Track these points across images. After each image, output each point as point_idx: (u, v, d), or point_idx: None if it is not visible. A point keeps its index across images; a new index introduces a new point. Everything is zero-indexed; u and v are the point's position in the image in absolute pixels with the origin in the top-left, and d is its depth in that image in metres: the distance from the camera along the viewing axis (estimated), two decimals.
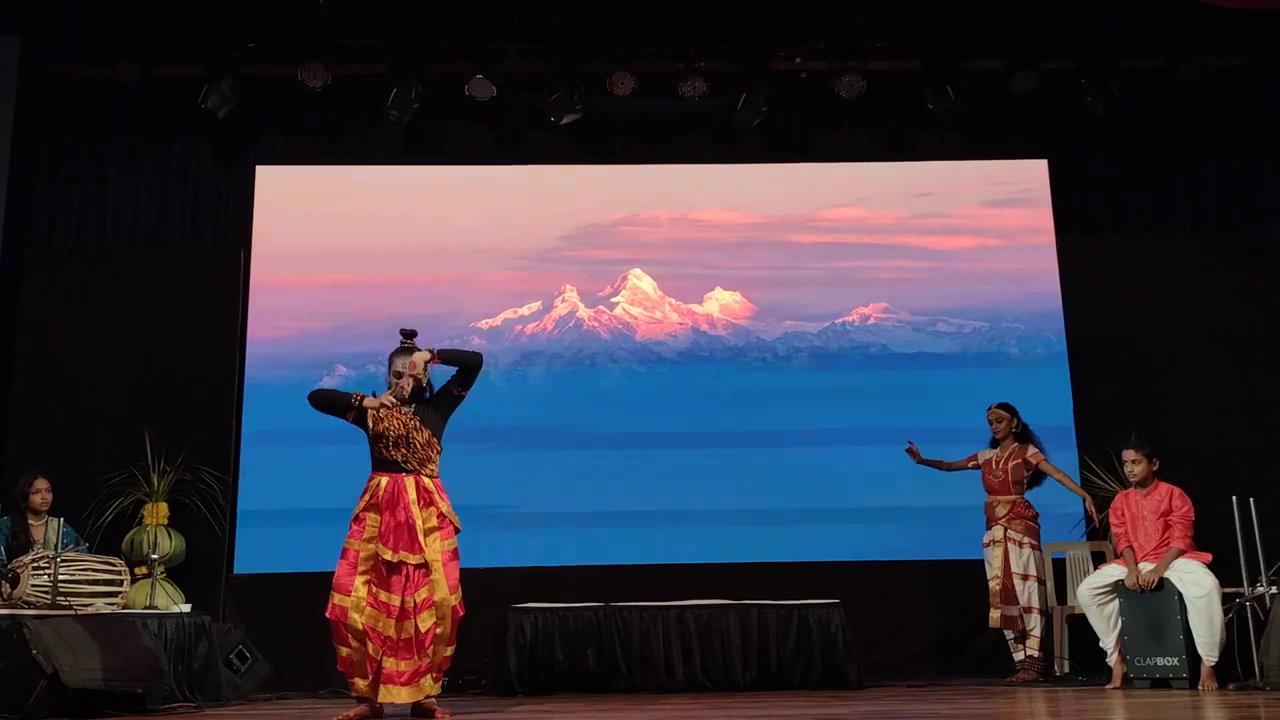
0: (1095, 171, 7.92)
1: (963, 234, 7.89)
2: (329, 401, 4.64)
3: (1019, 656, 6.29)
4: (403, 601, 4.37)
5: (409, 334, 4.72)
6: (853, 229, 7.94)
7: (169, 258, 7.64)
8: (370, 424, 4.55)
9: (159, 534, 6.75)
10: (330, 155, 7.91)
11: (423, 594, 4.39)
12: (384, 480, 4.49)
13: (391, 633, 4.36)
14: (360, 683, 4.42)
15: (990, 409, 6.58)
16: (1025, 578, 6.28)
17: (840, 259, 7.90)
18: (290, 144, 7.90)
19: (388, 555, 4.37)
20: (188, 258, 7.66)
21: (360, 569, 4.40)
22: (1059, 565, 6.72)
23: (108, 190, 7.76)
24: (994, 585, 6.32)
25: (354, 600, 4.35)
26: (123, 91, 7.50)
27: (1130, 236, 7.79)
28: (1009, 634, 6.34)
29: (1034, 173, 7.91)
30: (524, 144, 7.92)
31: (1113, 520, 5.89)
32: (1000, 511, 6.38)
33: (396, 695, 4.33)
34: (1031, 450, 6.42)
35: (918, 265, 7.88)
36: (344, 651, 4.41)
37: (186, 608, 5.69)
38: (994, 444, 6.56)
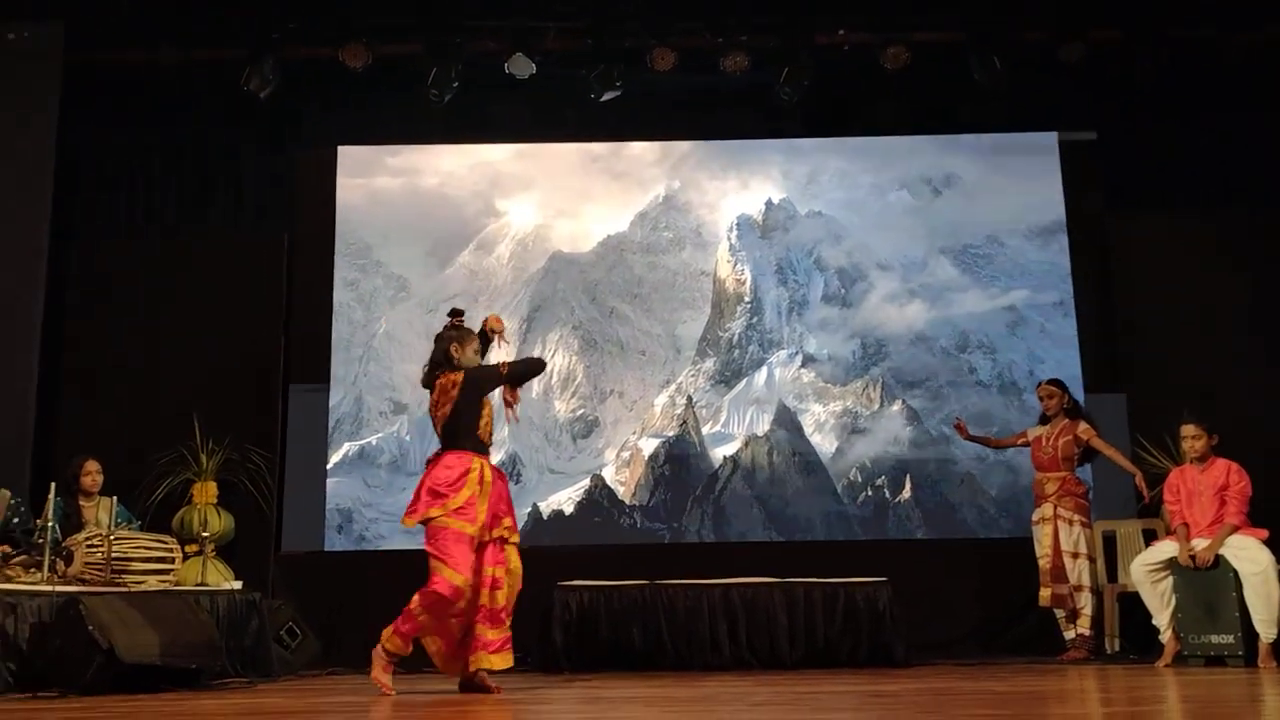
0: (1145, 144, 7.76)
1: (1011, 208, 7.76)
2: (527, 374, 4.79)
3: (1070, 635, 6.22)
4: (494, 572, 4.47)
5: (457, 314, 4.73)
6: (901, 202, 7.85)
7: (213, 241, 7.71)
8: (481, 409, 4.60)
9: (208, 512, 6.82)
10: (371, 135, 7.93)
11: (503, 568, 4.50)
12: (481, 463, 4.55)
13: (485, 601, 4.44)
14: (400, 644, 4.43)
15: (1041, 385, 6.51)
16: (1075, 555, 6.20)
17: (891, 231, 7.79)
18: (331, 125, 7.92)
19: (500, 533, 4.49)
20: (232, 241, 7.72)
21: (470, 550, 4.43)
22: (1109, 542, 6.64)
23: (152, 175, 7.82)
24: (1044, 564, 6.24)
25: (465, 580, 4.38)
26: (165, 76, 7.53)
27: (1182, 210, 7.64)
28: (1059, 612, 6.26)
29: (1083, 145, 7.76)
30: (564, 122, 7.89)
31: (1167, 497, 5.80)
32: (1050, 489, 6.29)
33: (491, 662, 4.43)
34: (1083, 426, 6.32)
35: (963, 239, 7.77)
36: (426, 620, 4.42)
37: (237, 585, 5.75)
38: (1043, 421, 6.47)
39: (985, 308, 7.70)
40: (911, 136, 7.90)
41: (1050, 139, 7.81)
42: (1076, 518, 6.23)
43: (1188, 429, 5.74)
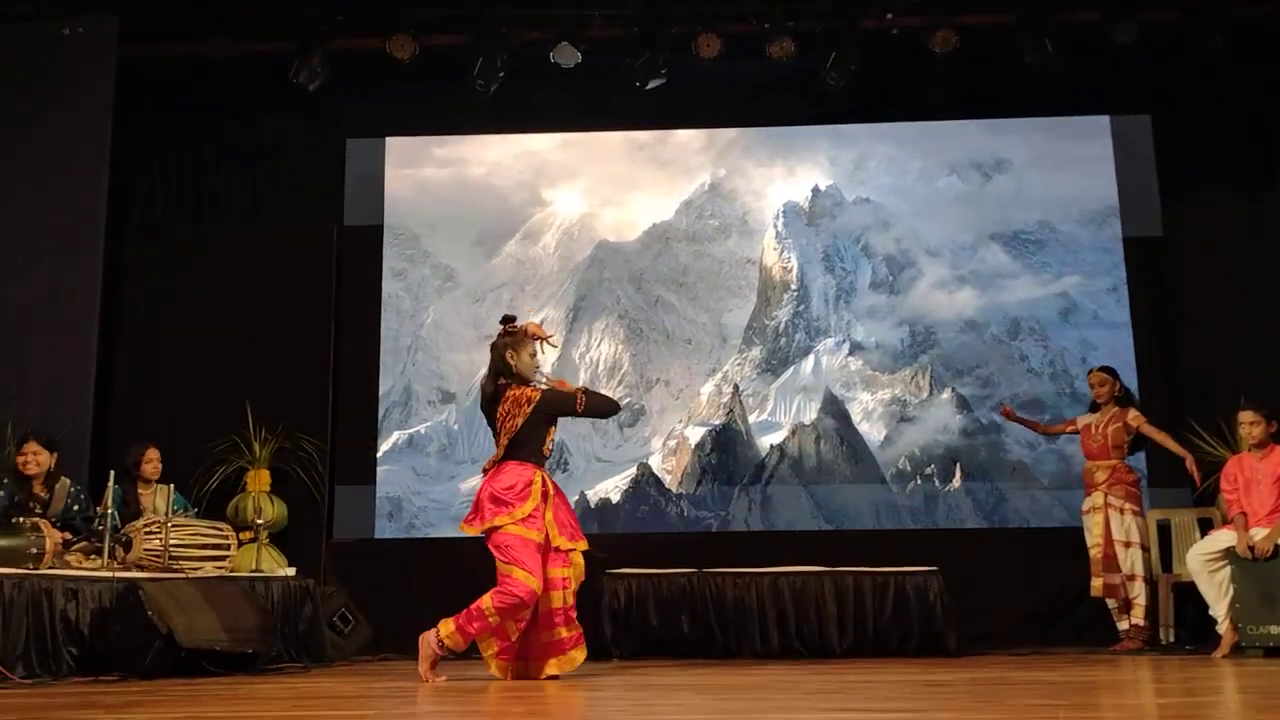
0: (1200, 126, 7.60)
1: (1063, 193, 7.64)
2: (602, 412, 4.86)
3: (1123, 625, 6.14)
4: (562, 573, 4.55)
5: (508, 320, 4.75)
6: (950, 187, 7.77)
7: (264, 232, 7.80)
8: (549, 428, 4.65)
9: (262, 500, 6.92)
10: (419, 126, 7.97)
11: (568, 569, 4.59)
12: (543, 475, 4.61)
13: (559, 604, 4.52)
14: (458, 641, 4.46)
15: (1093, 372, 6.43)
16: (1128, 545, 6.10)
17: (940, 217, 7.72)
18: (380, 116, 7.97)
19: (566, 544, 4.55)
20: (283, 231, 7.80)
21: (538, 555, 4.48)
22: (1164, 531, 6.53)
23: (204, 167, 7.93)
24: (1095, 553, 6.16)
25: (538, 584, 4.43)
26: (216, 69, 7.63)
27: (1236, 193, 7.47)
28: (1111, 603, 6.18)
29: (1136, 128, 7.62)
30: (608, 111, 7.89)
31: (1224, 485, 5.70)
32: (1100, 477, 6.20)
33: (571, 662, 4.54)
34: (1133, 413, 6.23)
35: (1014, 225, 7.67)
36: (501, 623, 4.44)
37: (291, 572, 5.83)
38: (1093, 408, 6.39)
39: (1037, 294, 7.59)
40: (960, 121, 7.81)
41: (1103, 122, 7.67)
42: (1128, 506, 6.14)
43: (1246, 415, 5.64)
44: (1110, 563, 6.11)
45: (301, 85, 7.42)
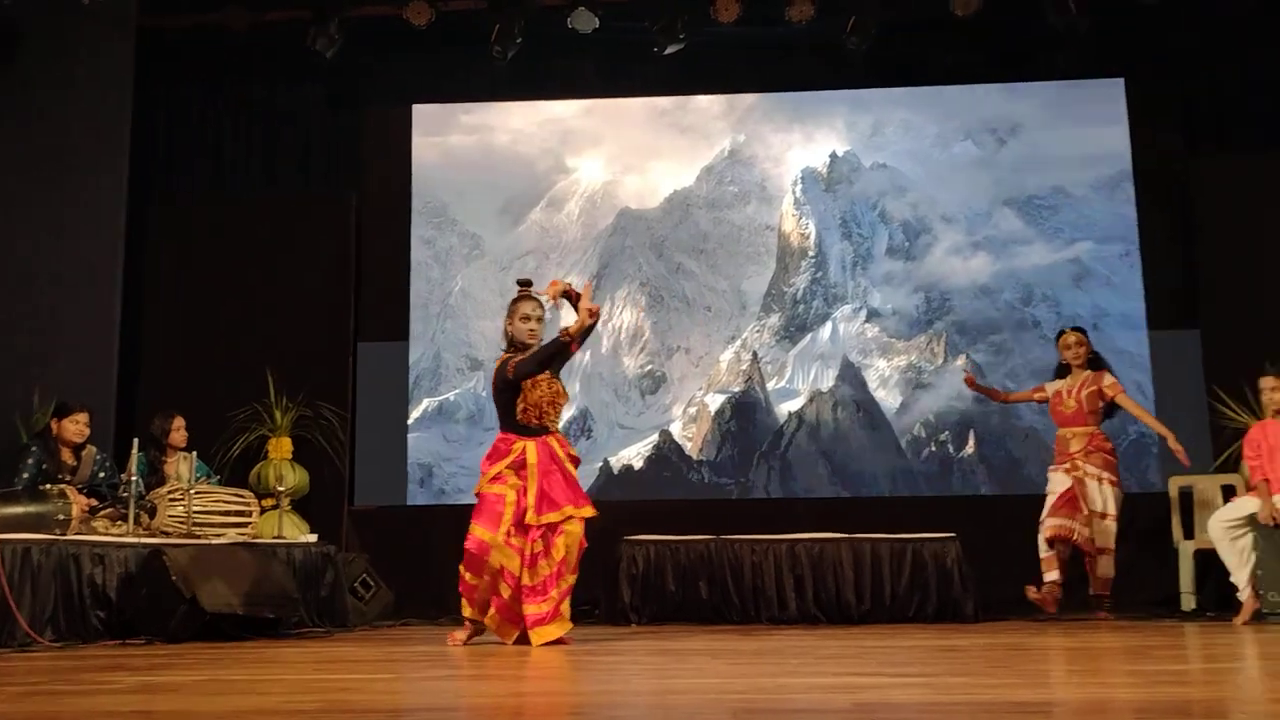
0: (1228, 86, 7.48)
1: (1076, 158, 7.55)
2: (544, 364, 4.59)
3: (1051, 576, 5.78)
4: (531, 548, 4.53)
5: (525, 283, 4.76)
6: (966, 153, 7.70)
7: (285, 200, 7.84)
8: (526, 390, 4.58)
9: (283, 467, 7.00)
10: (437, 94, 7.96)
11: (555, 528, 4.55)
12: (531, 445, 4.59)
13: (528, 580, 4.51)
14: (471, 610, 4.60)
15: (1068, 332, 6.11)
16: (1104, 517, 5.84)
17: (955, 183, 7.66)
18: (403, 83, 7.96)
19: (554, 518, 4.52)
20: (303, 200, 7.83)
21: (505, 514, 4.52)
22: (1185, 498, 6.49)
23: (223, 137, 7.96)
24: (1055, 501, 5.79)
25: (496, 539, 4.49)
26: (235, 38, 7.63)
27: (1265, 154, 7.35)
28: (1050, 552, 5.80)
29: (1162, 90, 7.50)
30: (627, 76, 7.85)
31: (1247, 452, 5.65)
32: (1075, 445, 5.91)
33: (546, 634, 4.49)
34: (1109, 380, 5.97)
35: (1028, 190, 7.59)
36: (470, 579, 4.56)
37: (312, 538, 5.90)
38: (1060, 374, 6.13)
39: (1050, 260, 7.53)
40: (976, 85, 7.71)
41: (1118, 85, 7.56)
42: (1105, 475, 5.87)
43: (1268, 381, 5.57)
44: (1073, 508, 5.77)
45: (319, 53, 7.41)
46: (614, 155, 7.97)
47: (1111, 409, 6.04)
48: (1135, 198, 7.45)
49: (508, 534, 4.51)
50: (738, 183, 7.88)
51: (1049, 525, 5.86)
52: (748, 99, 7.92)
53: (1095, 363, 6.05)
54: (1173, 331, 7.23)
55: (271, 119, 7.96)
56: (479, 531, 4.52)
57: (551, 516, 4.54)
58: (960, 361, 7.38)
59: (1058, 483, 5.97)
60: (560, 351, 4.60)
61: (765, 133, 7.89)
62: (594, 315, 4.57)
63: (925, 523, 6.27)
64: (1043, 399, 6.21)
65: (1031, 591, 5.85)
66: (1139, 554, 6.73)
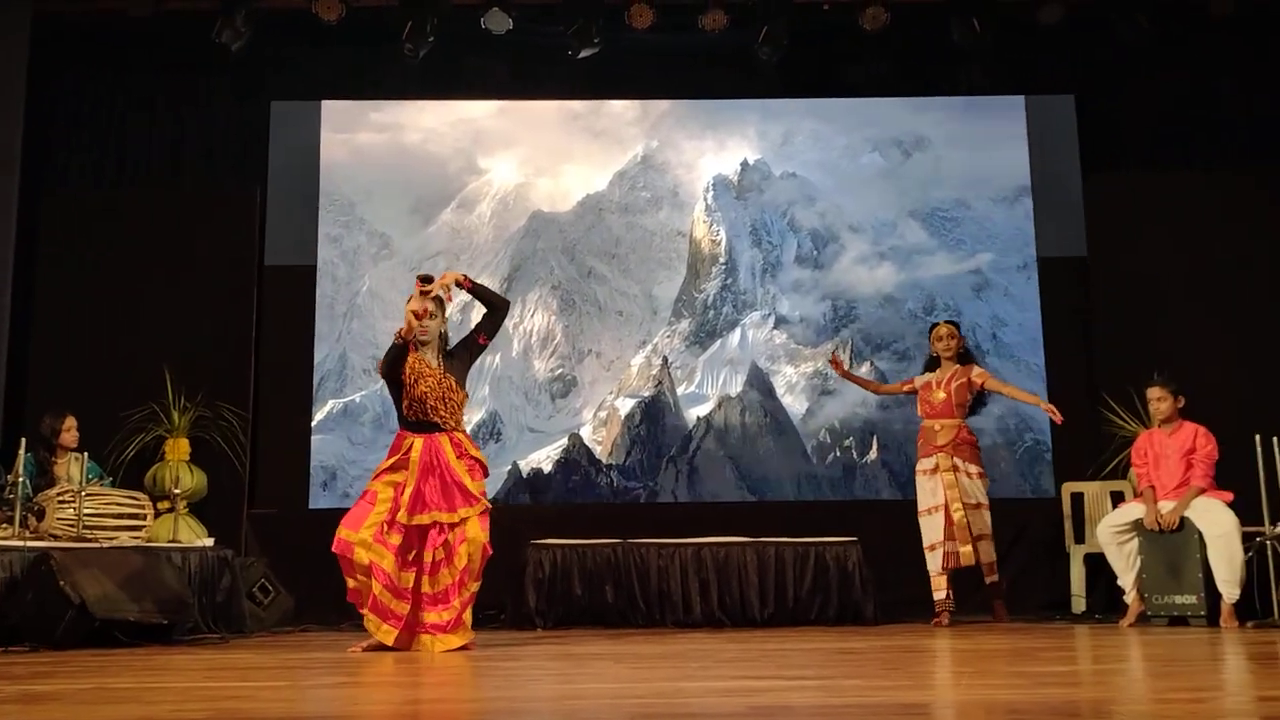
0: (1123, 107, 7.76)
1: (978, 171, 7.76)
2: (390, 363, 4.60)
3: (942, 595, 5.85)
4: (433, 555, 4.48)
5: (427, 280, 4.71)
6: (873, 164, 7.86)
7: (186, 196, 7.63)
8: (408, 385, 4.57)
9: (180, 469, 6.81)
10: (347, 90, 7.84)
11: (457, 535, 4.50)
12: (418, 442, 4.57)
13: (428, 587, 4.47)
14: (365, 619, 4.55)
15: (941, 325, 6.13)
16: (979, 506, 5.91)
17: (863, 193, 7.80)
18: (312, 79, 7.82)
19: (424, 520, 4.47)
20: (204, 196, 7.64)
21: (377, 509, 4.49)
22: (1077, 503, 6.71)
23: (124, 128, 7.72)
24: (958, 517, 5.83)
25: (361, 537, 4.46)
26: (136, 27, 7.42)
27: (1157, 173, 7.65)
28: (941, 570, 5.84)
29: (1060, 108, 7.75)
30: (540, 78, 7.83)
31: (1135, 459, 5.85)
32: (942, 439, 5.95)
33: (448, 643, 4.45)
34: (977, 370, 6.03)
35: (932, 202, 7.77)
36: (351, 583, 4.54)
37: (209, 542, 5.77)
38: (929, 367, 6.18)
39: (951, 270, 7.73)
40: (885, 98, 7.87)
41: (1018, 102, 7.79)
42: (974, 469, 5.93)
43: (1153, 391, 5.77)
44: (963, 531, 5.84)
45: (225, 46, 7.24)
46: (527, 157, 7.94)
47: (978, 404, 6.10)
48: (1033, 212, 7.69)
49: (380, 530, 4.47)
50: (650, 188, 7.91)
51: (942, 557, 5.87)
52: (661, 105, 7.96)
53: (965, 357, 6.11)
54: (1067, 341, 7.47)
55: (175, 112, 7.75)
56: (341, 531, 4.50)
57: (421, 519, 4.49)
58: (865, 369, 7.51)
59: (928, 494, 5.97)
60: (399, 353, 4.56)
61: (678, 139, 7.94)
62: (462, 285, 4.65)
63: (828, 527, 6.37)
64: (911, 390, 6.24)
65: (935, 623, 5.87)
66: (1032, 558, 6.95)
